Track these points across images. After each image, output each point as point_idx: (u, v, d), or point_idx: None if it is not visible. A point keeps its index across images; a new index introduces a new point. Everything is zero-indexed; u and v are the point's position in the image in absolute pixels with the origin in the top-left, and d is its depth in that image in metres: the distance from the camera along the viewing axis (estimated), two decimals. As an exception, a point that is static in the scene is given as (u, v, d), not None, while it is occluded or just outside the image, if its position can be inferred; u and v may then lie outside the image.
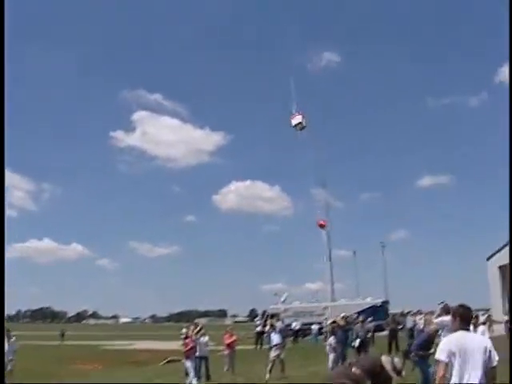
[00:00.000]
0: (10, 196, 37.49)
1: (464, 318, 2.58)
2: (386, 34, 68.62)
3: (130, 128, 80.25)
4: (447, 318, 5.27)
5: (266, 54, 52.49)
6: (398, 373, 2.94)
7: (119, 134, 79.89)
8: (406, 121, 70.58)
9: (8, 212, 34.80)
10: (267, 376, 7.48)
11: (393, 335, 11.53)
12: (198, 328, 7.98)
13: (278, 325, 9.47)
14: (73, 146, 79.79)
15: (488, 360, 2.43)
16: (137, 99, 72.82)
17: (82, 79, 75.21)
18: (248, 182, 72.65)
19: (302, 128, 16.84)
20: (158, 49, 74.77)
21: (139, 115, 69.80)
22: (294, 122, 16.13)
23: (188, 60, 73.19)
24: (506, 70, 61.77)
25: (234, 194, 72.32)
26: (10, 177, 35.27)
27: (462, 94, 78.77)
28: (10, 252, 35.52)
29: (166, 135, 71.21)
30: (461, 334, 2.53)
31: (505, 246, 20.28)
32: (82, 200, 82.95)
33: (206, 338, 8.09)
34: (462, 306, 2.64)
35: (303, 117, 16.31)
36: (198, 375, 7.47)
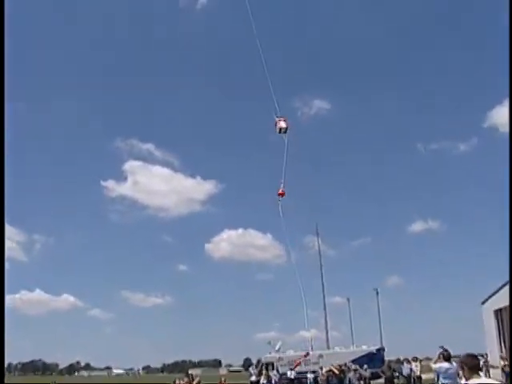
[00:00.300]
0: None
1: (473, 366, 2.61)
2: (375, 80, 70.11)
3: (121, 177, 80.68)
4: (446, 364, 5.26)
5: (256, 102, 54.00)
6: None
7: (110, 184, 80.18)
8: (395, 166, 71.27)
9: None
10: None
11: (389, 383, 11.39)
12: (196, 382, 7.86)
13: (273, 374, 9.36)
14: (64, 196, 79.87)
15: None
16: (128, 149, 73.35)
17: (73, 129, 75.90)
18: (240, 231, 72.72)
19: (285, 131, 17.06)
20: (150, 98, 75.84)
21: (130, 165, 70.28)
22: (279, 126, 16.16)
23: (179, 109, 74.19)
24: (494, 114, 63.06)
25: (227, 243, 72.31)
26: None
27: (451, 140, 79.97)
28: (-1, 303, 34.80)
29: (157, 184, 71.72)
30: (476, 381, 2.54)
31: (500, 289, 20.23)
32: (73, 250, 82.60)
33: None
34: (469, 356, 2.66)
35: (285, 121, 16.37)
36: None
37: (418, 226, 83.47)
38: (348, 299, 30.77)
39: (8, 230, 33.98)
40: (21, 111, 45.51)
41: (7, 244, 35.46)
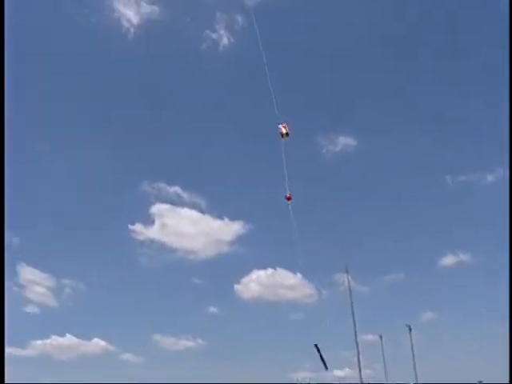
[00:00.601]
0: (31, 292, 37.70)
1: None
2: (400, 114, 70.11)
3: (149, 221, 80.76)
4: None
5: (280, 140, 53.97)
6: None
7: (138, 227, 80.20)
8: (423, 200, 70.36)
9: (29, 309, 34.78)
10: None
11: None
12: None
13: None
14: (92, 240, 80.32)
15: None
16: (155, 192, 73.74)
17: (99, 173, 76.90)
18: (269, 270, 71.93)
19: (287, 135, 17.13)
20: (175, 142, 76.93)
21: (158, 208, 70.34)
22: (283, 131, 16.26)
23: (204, 151, 74.98)
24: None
25: (256, 283, 71.39)
26: (30, 273, 35.33)
27: (478, 171, 78.76)
28: (30, 350, 35.00)
29: (185, 227, 71.33)
30: None
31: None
32: (103, 294, 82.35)
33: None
34: None
35: (285, 127, 16.38)
36: None
37: (449, 260, 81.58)
38: (380, 336, 30.34)
39: (37, 275, 34.49)
40: (46, 154, 46.61)
41: (37, 289, 35.87)
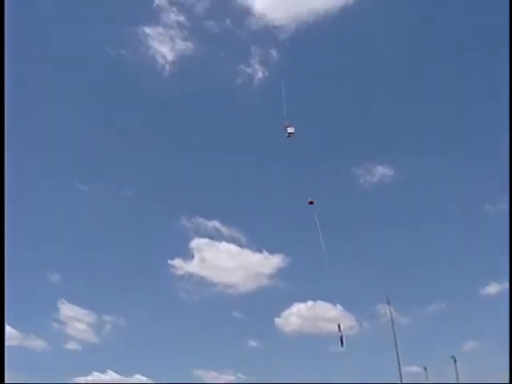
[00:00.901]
0: (72, 329, 38.04)
1: None
2: (437, 143, 69.43)
3: (188, 255, 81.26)
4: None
5: (319, 171, 53.82)
6: None
7: (178, 262, 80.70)
8: (464, 228, 68.95)
9: (70, 345, 35.16)
10: None
11: None
12: None
13: None
14: (132, 276, 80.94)
15: None
16: (194, 227, 74.14)
17: (137, 209, 77.84)
18: (309, 303, 71.10)
19: (292, 135, 17.08)
20: (212, 176, 77.68)
21: (197, 242, 70.80)
22: (290, 131, 16.21)
23: (242, 185, 75.60)
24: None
25: (296, 316, 70.65)
26: (70, 309, 35.71)
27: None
28: (72, 387, 34.98)
29: (224, 261, 71.57)
30: None
31: None
32: (143, 329, 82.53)
33: None
34: None
35: (289, 126, 16.35)
36: None
37: (492, 288, 79.25)
38: (425, 368, 29.73)
39: (78, 311, 34.80)
40: (84, 192, 47.60)
41: (78, 326, 36.34)
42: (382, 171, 55.47)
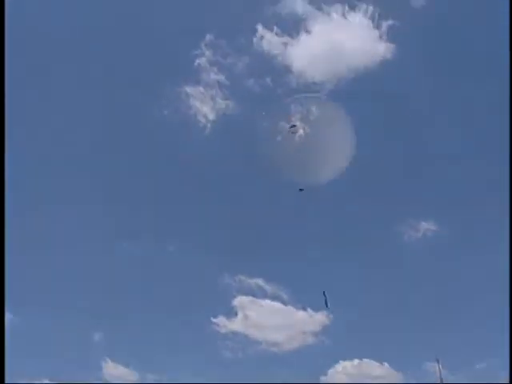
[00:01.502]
0: None
1: None
2: (479, 198, 66.46)
3: (231, 313, 78.33)
4: None
5: (362, 228, 51.37)
6: None
7: (221, 320, 77.27)
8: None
9: None
10: None
11: None
12: None
13: None
14: (175, 335, 78.17)
15: None
16: (237, 284, 70.81)
17: (180, 265, 75.12)
18: (356, 361, 68.49)
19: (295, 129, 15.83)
20: (256, 233, 74.83)
21: (240, 300, 67.66)
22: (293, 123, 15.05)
23: (286, 244, 72.86)
24: None
25: (342, 374, 67.92)
26: (114, 367, 34.54)
27: None
28: None
29: (268, 319, 68.57)
30: None
31: None
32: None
33: None
34: None
35: (292, 119, 15.18)
36: None
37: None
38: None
39: (121, 370, 33.45)
40: (125, 249, 45.75)
41: None
42: (426, 226, 52.43)
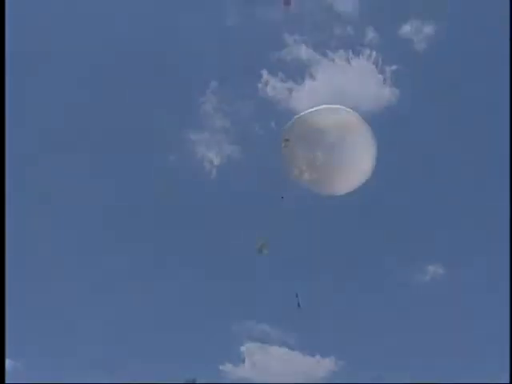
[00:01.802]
0: None
1: None
2: (490, 242, 66.40)
3: (239, 360, 78.51)
4: None
5: (369, 272, 50.23)
6: None
7: (228, 367, 76.86)
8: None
9: None
10: None
11: None
12: None
13: None
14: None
15: None
16: (244, 331, 70.48)
17: (186, 311, 74.91)
18: None
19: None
20: (262, 279, 74.97)
21: (248, 346, 67.80)
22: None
23: (292, 289, 72.78)
24: None
25: None
26: None
27: None
28: None
29: (276, 365, 68.43)
30: None
31: None
32: None
33: None
34: None
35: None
36: None
37: None
38: None
39: None
40: (139, 299, 45.43)
41: None
42: (433, 269, 52.80)
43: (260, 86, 17.86)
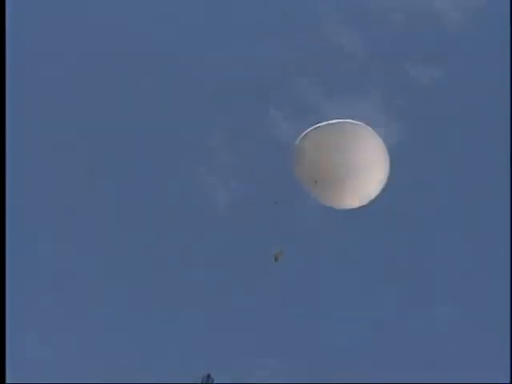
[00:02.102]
0: None
1: None
2: (489, 279, 66.79)
3: None
4: None
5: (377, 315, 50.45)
6: None
7: None
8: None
9: None
10: None
11: None
12: None
13: None
14: None
15: None
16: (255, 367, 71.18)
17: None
18: None
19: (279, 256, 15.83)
20: (268, 320, 75.34)
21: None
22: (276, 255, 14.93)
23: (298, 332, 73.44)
24: None
25: None
26: None
27: None
28: None
29: None
30: None
31: None
32: None
33: None
34: None
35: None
36: None
37: None
38: None
39: None
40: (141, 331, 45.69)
41: None
42: (440, 311, 53.56)
43: (266, 123, 18.48)
